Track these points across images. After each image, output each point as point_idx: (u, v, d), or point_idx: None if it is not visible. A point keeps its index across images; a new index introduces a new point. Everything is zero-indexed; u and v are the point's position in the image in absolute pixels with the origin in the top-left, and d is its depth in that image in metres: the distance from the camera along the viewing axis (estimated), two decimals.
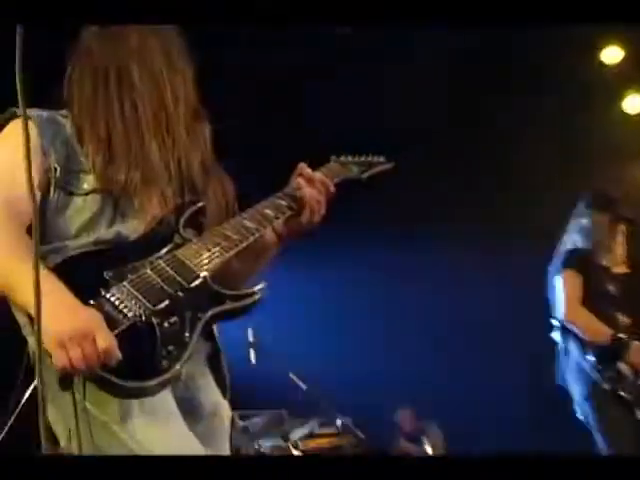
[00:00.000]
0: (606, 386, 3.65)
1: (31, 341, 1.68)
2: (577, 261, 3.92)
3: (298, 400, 4.09)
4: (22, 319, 1.68)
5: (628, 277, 3.98)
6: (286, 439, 4.21)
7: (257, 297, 1.79)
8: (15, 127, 1.77)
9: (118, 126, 1.82)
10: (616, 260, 4.00)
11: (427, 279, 5.42)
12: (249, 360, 3.91)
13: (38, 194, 1.70)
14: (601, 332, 3.71)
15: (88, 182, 1.77)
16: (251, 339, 3.87)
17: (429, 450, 5.48)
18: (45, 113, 1.80)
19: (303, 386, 3.96)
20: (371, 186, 2.29)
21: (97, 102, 1.84)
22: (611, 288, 3.90)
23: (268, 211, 1.92)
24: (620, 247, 4.02)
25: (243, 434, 3.92)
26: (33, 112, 1.77)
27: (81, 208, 1.75)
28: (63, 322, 1.50)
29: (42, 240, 1.67)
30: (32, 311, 1.47)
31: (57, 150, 1.76)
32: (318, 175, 2.02)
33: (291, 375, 3.90)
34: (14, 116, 1.78)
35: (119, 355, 1.53)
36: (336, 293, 5.57)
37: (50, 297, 1.45)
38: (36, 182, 1.68)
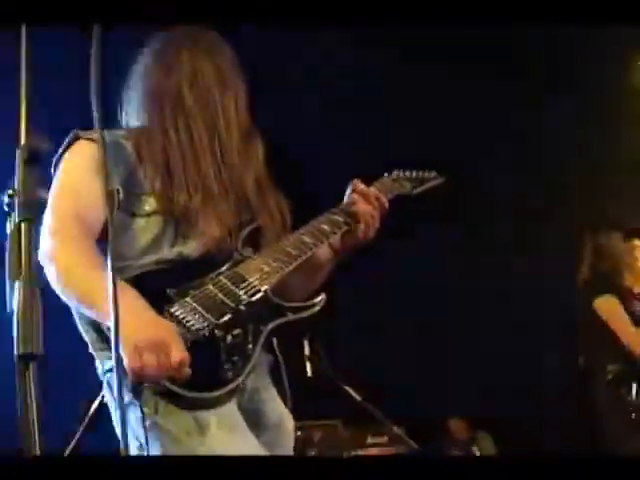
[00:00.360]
0: None
1: (101, 356, 1.73)
2: (609, 285, 3.87)
3: (352, 411, 4.12)
4: (91, 335, 1.72)
5: None
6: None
7: (317, 309, 1.83)
8: (79, 148, 1.81)
9: (175, 151, 1.84)
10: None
11: (486, 291, 5.38)
12: (305, 372, 3.98)
13: (103, 213, 1.70)
14: None
15: (149, 204, 1.80)
16: (307, 352, 3.94)
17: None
18: (108, 135, 1.81)
19: (357, 397, 4.00)
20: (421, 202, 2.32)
21: (153, 127, 1.87)
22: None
23: (325, 226, 1.95)
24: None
25: (298, 445, 3.96)
26: (95, 134, 1.74)
27: (144, 229, 1.78)
28: (142, 330, 1.55)
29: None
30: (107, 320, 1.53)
31: (120, 172, 1.79)
32: (373, 191, 2.05)
33: (345, 386, 3.94)
34: (77, 138, 1.82)
35: (189, 372, 1.56)
36: (390, 303, 5.58)
37: (131, 307, 1.53)
38: (101, 204, 1.69)
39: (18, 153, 1.12)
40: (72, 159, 1.81)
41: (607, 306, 3.82)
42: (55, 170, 1.81)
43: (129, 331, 1.49)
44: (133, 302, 1.59)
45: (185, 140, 1.85)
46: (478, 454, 5.57)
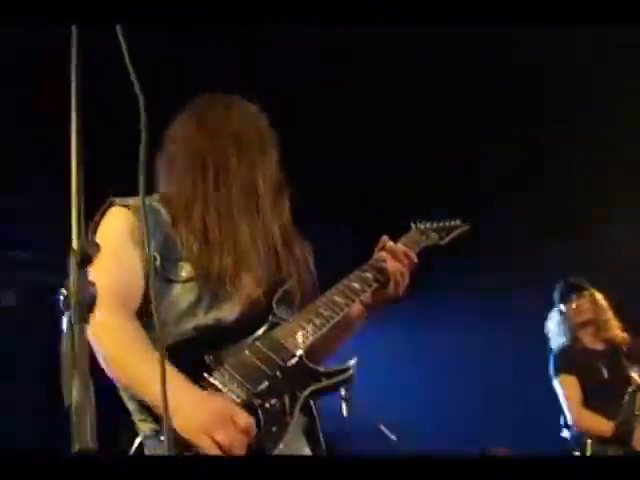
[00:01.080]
0: None
1: (144, 427, 1.71)
2: (568, 361, 3.91)
3: (388, 451, 4.14)
4: (132, 405, 1.73)
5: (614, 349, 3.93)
6: None
7: (350, 373, 1.83)
8: (114, 215, 1.83)
9: (212, 213, 1.85)
10: (606, 329, 3.96)
11: (520, 341, 5.36)
12: (341, 413, 4.02)
13: (142, 281, 1.76)
14: (607, 431, 3.69)
15: (186, 270, 1.80)
16: (343, 393, 4.00)
17: None
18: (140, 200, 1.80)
19: (393, 437, 4.03)
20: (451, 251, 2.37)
21: (196, 194, 1.87)
22: (605, 371, 3.87)
23: (355, 285, 1.98)
24: (600, 313, 3.99)
25: None
26: (130, 201, 1.81)
27: (180, 295, 1.79)
28: (201, 411, 1.57)
29: (146, 328, 1.71)
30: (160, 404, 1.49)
31: (156, 238, 1.79)
32: (401, 248, 2.08)
33: (381, 427, 3.97)
34: (112, 204, 1.84)
35: (255, 431, 1.60)
36: (428, 348, 5.58)
37: (180, 390, 1.56)
38: (139, 272, 1.76)
39: (70, 256, 1.18)
40: (108, 227, 1.82)
41: (563, 384, 3.87)
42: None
43: (190, 415, 1.53)
44: (180, 384, 1.60)
45: (224, 203, 1.87)
46: None
